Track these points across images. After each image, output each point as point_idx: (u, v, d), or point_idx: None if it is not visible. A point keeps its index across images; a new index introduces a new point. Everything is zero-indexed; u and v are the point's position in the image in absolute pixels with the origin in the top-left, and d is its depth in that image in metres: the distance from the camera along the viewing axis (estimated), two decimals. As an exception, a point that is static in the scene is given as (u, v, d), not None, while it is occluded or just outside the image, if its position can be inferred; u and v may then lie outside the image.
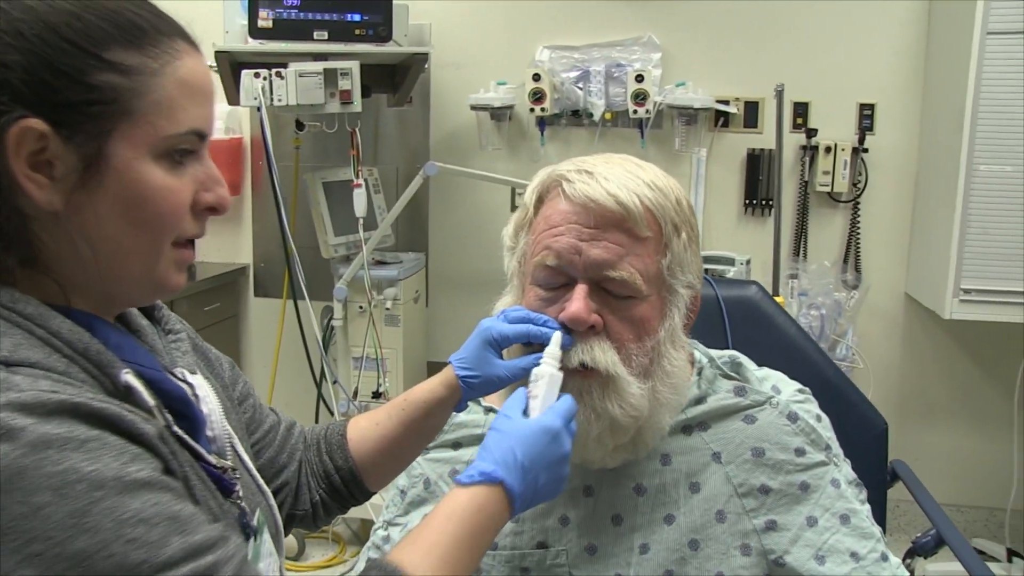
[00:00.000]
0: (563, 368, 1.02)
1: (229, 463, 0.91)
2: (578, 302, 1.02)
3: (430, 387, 1.10)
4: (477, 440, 1.21)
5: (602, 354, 1.03)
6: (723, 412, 1.15)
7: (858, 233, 3.45)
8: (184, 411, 0.86)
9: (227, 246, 3.94)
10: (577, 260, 1.03)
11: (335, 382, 3.24)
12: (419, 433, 1.13)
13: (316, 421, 3.64)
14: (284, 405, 3.75)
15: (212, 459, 0.87)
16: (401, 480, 1.26)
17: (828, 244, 3.49)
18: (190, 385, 0.91)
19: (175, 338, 0.97)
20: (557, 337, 1.01)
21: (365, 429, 1.16)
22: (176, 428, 0.83)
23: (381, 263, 3.28)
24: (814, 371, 1.64)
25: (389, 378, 3.17)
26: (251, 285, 3.94)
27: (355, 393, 3.16)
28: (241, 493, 0.91)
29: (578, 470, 1.14)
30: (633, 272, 1.03)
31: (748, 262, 3.22)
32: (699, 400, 1.16)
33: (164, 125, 0.80)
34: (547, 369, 1.00)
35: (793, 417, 1.15)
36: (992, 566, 3.15)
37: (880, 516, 1.63)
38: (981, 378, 3.46)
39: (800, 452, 1.13)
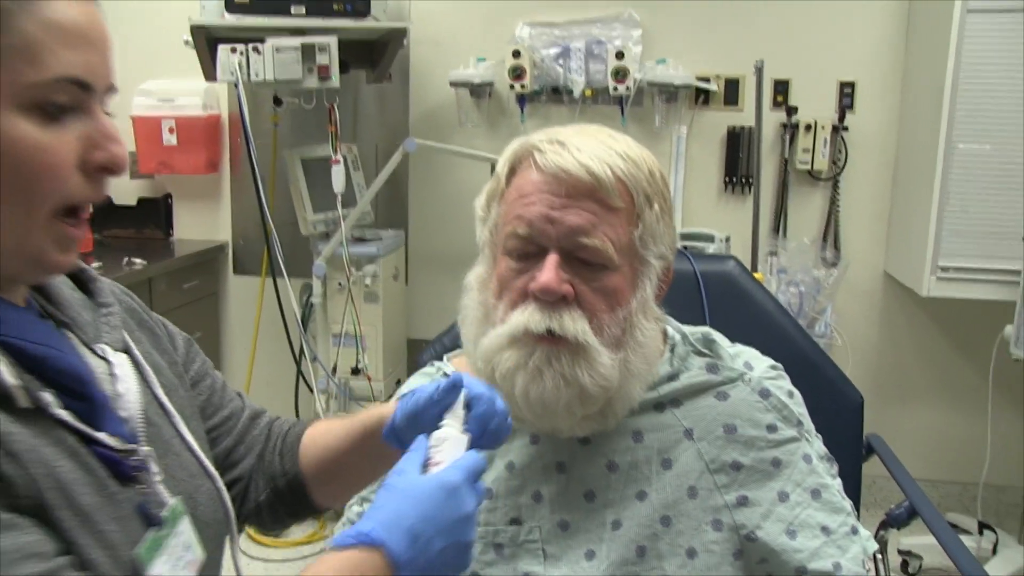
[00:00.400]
0: (528, 335, 1.03)
1: (140, 447, 0.84)
2: (549, 272, 1.02)
3: (380, 412, 1.00)
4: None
5: (572, 323, 1.03)
6: (695, 389, 1.16)
7: (837, 211, 3.46)
8: (80, 391, 0.79)
9: (206, 224, 3.92)
10: (549, 229, 1.03)
11: (314, 359, 3.23)
12: (363, 454, 1.04)
13: (296, 399, 3.64)
14: (264, 383, 3.76)
15: (112, 442, 0.80)
16: (375, 456, 1.26)
17: (808, 222, 3.50)
18: (108, 363, 0.87)
19: (106, 312, 0.92)
20: (462, 399, 0.92)
21: (318, 435, 1.09)
22: (57, 410, 0.76)
23: (360, 240, 3.27)
24: (791, 346, 1.64)
25: (369, 355, 3.17)
26: (230, 263, 3.93)
27: (334, 369, 3.16)
28: (156, 478, 0.84)
29: (551, 446, 1.14)
30: (605, 241, 1.03)
31: (728, 239, 3.23)
32: (672, 377, 1.16)
33: (26, 71, 0.72)
34: (450, 432, 0.90)
35: (765, 393, 1.15)
36: (964, 538, 3.19)
37: (855, 489, 1.65)
38: (957, 355, 3.49)
39: (772, 428, 1.14)
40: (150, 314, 1.04)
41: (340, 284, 3.12)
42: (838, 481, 1.19)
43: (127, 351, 0.92)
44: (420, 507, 0.81)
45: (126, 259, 3.35)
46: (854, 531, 1.15)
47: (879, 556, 1.67)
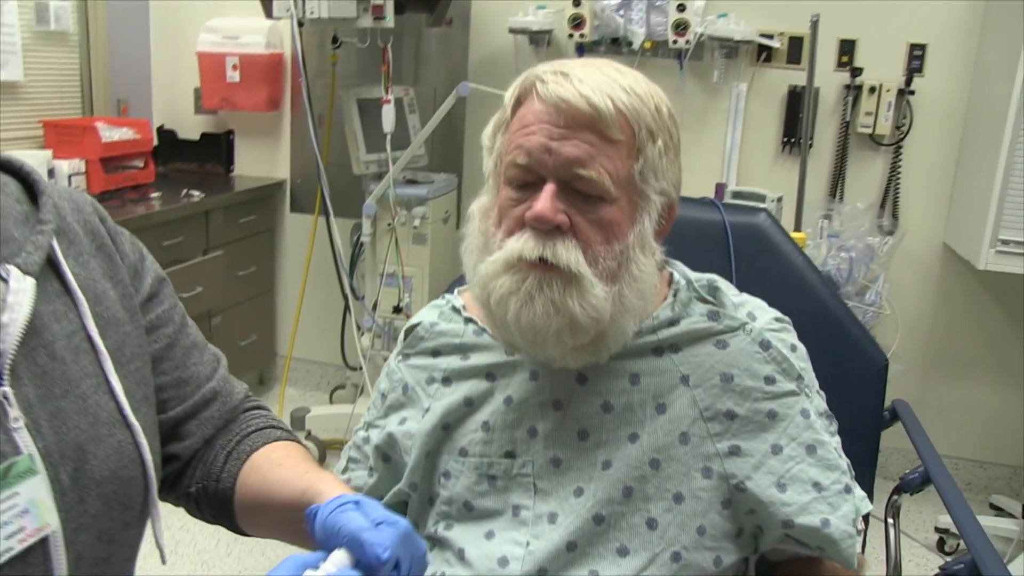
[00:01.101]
0: (522, 262, 1.04)
1: None
2: (544, 201, 1.03)
3: (318, 491, 0.91)
4: (456, 349, 1.23)
5: (565, 252, 1.03)
6: (695, 335, 1.15)
7: (898, 178, 3.38)
8: None
9: (265, 161, 3.99)
10: (547, 159, 1.04)
11: (360, 298, 3.28)
12: (290, 519, 0.93)
13: (342, 337, 3.71)
14: (313, 321, 3.84)
15: None
16: (382, 384, 1.29)
17: (866, 187, 3.42)
18: (6, 286, 0.81)
19: (39, 229, 0.87)
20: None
21: (264, 467, 1.01)
22: None
23: (412, 182, 3.30)
24: (817, 303, 1.62)
25: (414, 296, 3.21)
26: (287, 200, 3.99)
27: (375, 306, 3.21)
28: (13, 424, 0.78)
29: (549, 383, 1.16)
30: (602, 173, 1.03)
31: (780, 200, 3.18)
32: (672, 322, 1.16)
33: None
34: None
35: (766, 345, 1.15)
36: (1003, 521, 3.14)
37: (872, 453, 1.63)
38: (1012, 332, 3.40)
39: (770, 380, 1.13)
40: (117, 240, 0.99)
41: (389, 224, 3.15)
42: (836, 439, 1.18)
43: (58, 274, 0.88)
44: None
45: (185, 191, 3.43)
46: (847, 490, 1.14)
47: (890, 522, 1.65)
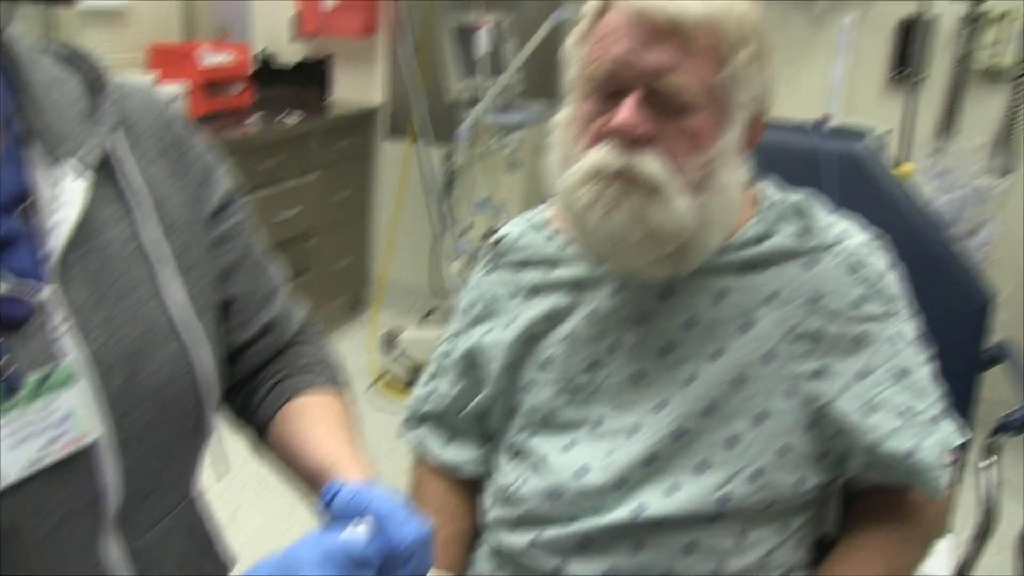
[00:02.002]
0: (603, 173, 1.02)
1: (39, 288, 0.75)
2: (627, 111, 1.01)
3: (338, 470, 0.88)
4: (542, 262, 1.23)
5: (647, 163, 1.01)
6: (784, 253, 1.13)
7: (1017, 115, 3.21)
8: None
9: (361, 87, 4.01)
10: (628, 69, 1.02)
11: (453, 224, 3.31)
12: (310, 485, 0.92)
13: (434, 261, 3.74)
14: (405, 246, 3.88)
15: None
16: (467, 296, 1.30)
17: (981, 124, 3.27)
18: (59, 182, 0.78)
19: (98, 126, 0.83)
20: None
21: (307, 415, 0.98)
22: None
23: (507, 109, 3.28)
24: (916, 238, 1.56)
25: (506, 223, 3.22)
26: (382, 126, 4.02)
27: (467, 232, 3.23)
28: (59, 329, 0.75)
29: (634, 297, 1.15)
30: (688, 81, 1.01)
31: (886, 134, 3.07)
32: (760, 239, 1.13)
33: None
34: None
35: (857, 265, 1.11)
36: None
37: (970, 392, 1.58)
38: None
39: (860, 302, 1.10)
40: (188, 142, 0.94)
41: (482, 151, 3.16)
42: (930, 367, 1.14)
43: (117, 174, 0.84)
44: None
45: (282, 116, 3.48)
46: (938, 419, 1.11)
47: (985, 463, 1.60)
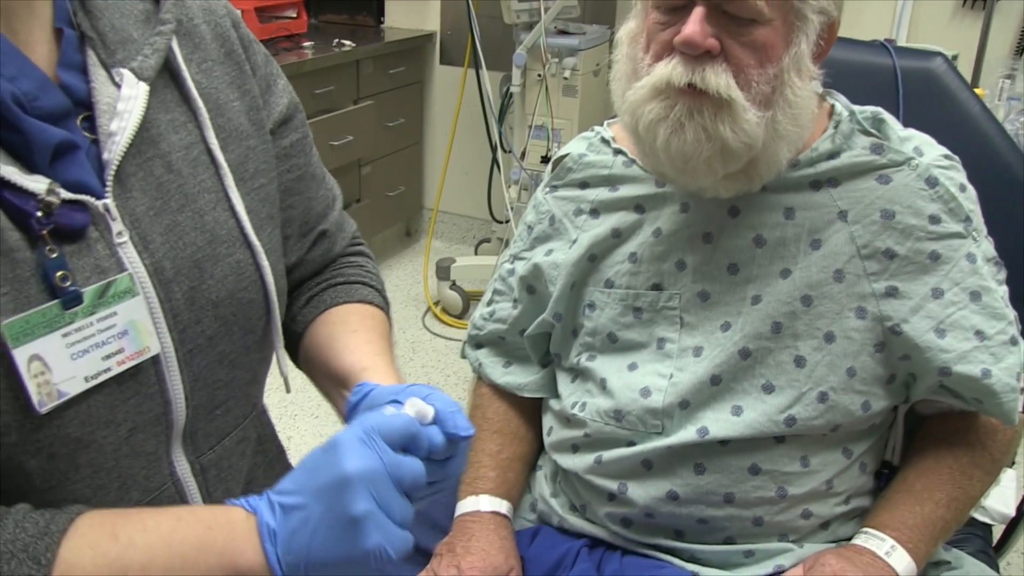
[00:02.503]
0: (671, 88, 0.99)
1: (98, 200, 0.74)
2: (693, 24, 0.97)
3: (361, 376, 0.87)
4: (605, 181, 1.21)
5: (715, 77, 0.98)
6: (856, 169, 1.09)
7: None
8: (5, 116, 0.68)
9: (415, 12, 3.96)
10: None
11: (509, 150, 3.28)
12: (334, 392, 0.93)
13: (489, 188, 3.73)
14: (460, 172, 3.88)
15: (37, 188, 0.69)
16: (529, 216, 1.28)
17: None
18: (118, 88, 0.76)
19: (157, 30, 0.81)
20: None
21: (344, 323, 0.96)
22: None
23: (563, 32, 3.23)
24: (994, 157, 1.51)
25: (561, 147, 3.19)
26: (437, 52, 3.98)
27: (523, 154, 3.20)
28: (119, 239, 0.74)
29: (700, 215, 1.12)
30: None
31: (955, 58, 2.95)
32: (832, 155, 1.10)
33: None
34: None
35: (932, 182, 1.08)
36: None
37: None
38: None
39: (935, 219, 1.07)
40: (250, 49, 0.92)
41: (539, 75, 3.11)
42: (1004, 288, 1.11)
43: (178, 80, 0.83)
44: (304, 470, 0.70)
45: (336, 41, 3.45)
46: (1014, 341, 1.08)
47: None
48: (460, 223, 4.21)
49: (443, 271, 3.49)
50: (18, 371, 0.67)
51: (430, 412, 0.72)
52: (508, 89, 3.30)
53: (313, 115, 3.24)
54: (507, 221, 3.32)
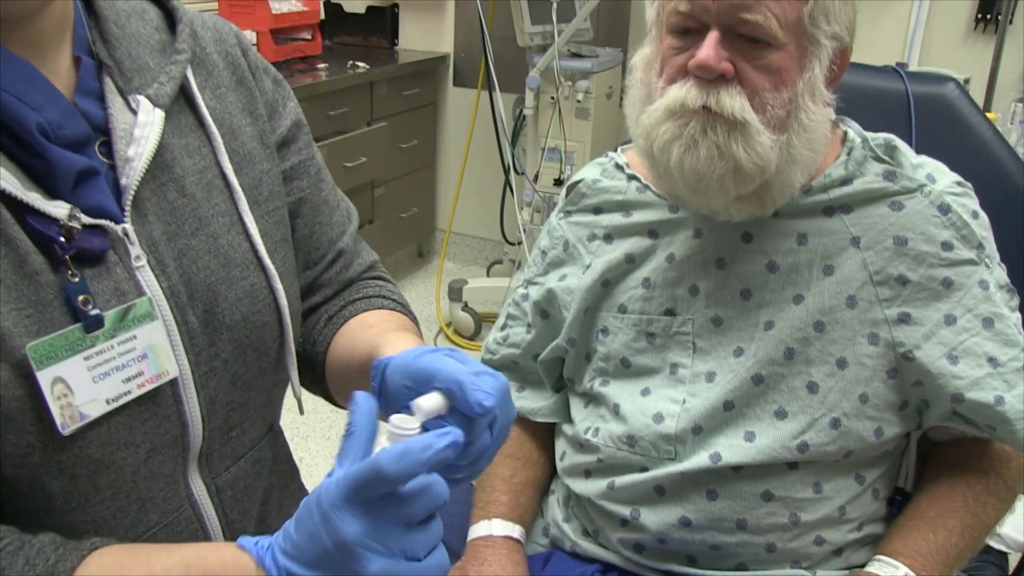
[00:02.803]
0: (685, 109, 1.00)
1: (116, 224, 0.75)
2: (708, 48, 0.98)
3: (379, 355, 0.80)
4: (618, 206, 1.21)
5: (729, 100, 0.99)
6: (869, 196, 1.10)
7: (1107, 58, 3.08)
8: (33, 146, 0.70)
9: (429, 34, 3.99)
10: (710, 5, 0.99)
11: (522, 172, 3.29)
12: (357, 373, 0.89)
13: (501, 210, 3.74)
14: (473, 194, 3.89)
15: (59, 213, 0.70)
16: (543, 241, 1.29)
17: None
18: (134, 115, 0.78)
19: (173, 59, 0.83)
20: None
21: (363, 323, 0.95)
22: None
23: (577, 55, 3.24)
24: (1007, 181, 1.51)
25: (576, 170, 3.20)
26: (450, 74, 4.00)
27: (536, 177, 3.21)
28: (137, 262, 0.76)
29: (713, 240, 1.13)
30: (768, 17, 0.98)
31: (966, 82, 2.96)
32: (845, 181, 1.10)
33: None
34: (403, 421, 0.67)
35: (945, 209, 1.08)
36: None
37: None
38: None
39: (947, 246, 1.07)
40: (258, 74, 0.93)
41: (552, 98, 3.13)
42: (1017, 316, 1.10)
43: (193, 106, 0.84)
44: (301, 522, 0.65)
45: (350, 63, 3.48)
46: (1025, 368, 1.08)
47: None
48: (473, 245, 4.22)
49: (455, 293, 3.50)
50: (42, 393, 0.68)
51: (441, 404, 0.67)
52: (521, 111, 3.32)
53: (327, 136, 3.27)
54: (519, 243, 3.33)
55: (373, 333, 0.90)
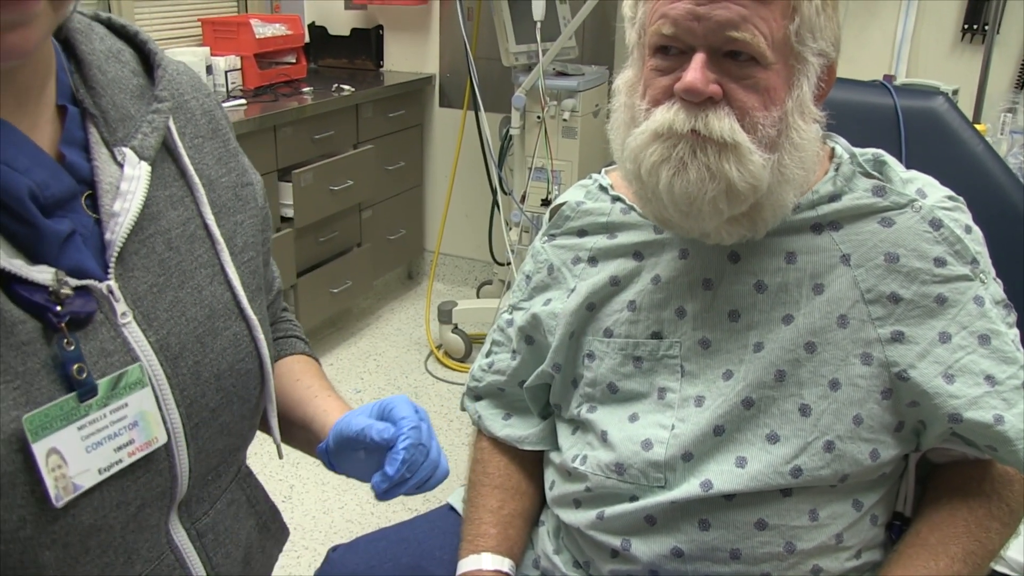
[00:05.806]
0: (673, 132, 0.97)
1: (100, 283, 0.73)
2: (695, 71, 0.95)
3: (325, 421, 0.96)
4: (603, 228, 1.18)
5: (718, 122, 0.96)
6: (858, 212, 1.07)
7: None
8: (21, 214, 0.68)
9: (414, 55, 3.98)
10: (695, 26, 0.96)
11: (509, 192, 3.27)
12: (301, 439, 1.01)
13: (490, 230, 3.72)
14: (461, 215, 3.87)
15: (45, 279, 0.68)
16: (527, 265, 1.26)
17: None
18: (120, 168, 0.77)
19: (155, 107, 0.81)
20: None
21: (291, 372, 1.04)
22: None
23: (562, 74, 3.23)
24: (999, 195, 1.49)
25: (563, 189, 3.17)
26: (436, 94, 3.98)
27: (523, 198, 3.19)
28: (123, 320, 0.74)
29: (699, 261, 1.10)
30: (756, 35, 0.95)
31: (955, 93, 2.95)
32: (833, 197, 1.07)
33: None
34: None
35: (936, 224, 1.05)
36: None
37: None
38: None
39: (940, 262, 1.04)
40: (228, 122, 0.94)
41: (538, 117, 3.11)
42: (1015, 332, 1.07)
43: (174, 156, 0.84)
44: None
45: (336, 85, 3.46)
46: (1024, 386, 1.05)
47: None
48: (462, 265, 4.19)
49: (445, 315, 3.47)
50: (37, 466, 0.66)
51: None
52: (507, 131, 3.30)
53: (313, 160, 3.25)
54: (508, 263, 3.30)
55: (304, 395, 1.02)
